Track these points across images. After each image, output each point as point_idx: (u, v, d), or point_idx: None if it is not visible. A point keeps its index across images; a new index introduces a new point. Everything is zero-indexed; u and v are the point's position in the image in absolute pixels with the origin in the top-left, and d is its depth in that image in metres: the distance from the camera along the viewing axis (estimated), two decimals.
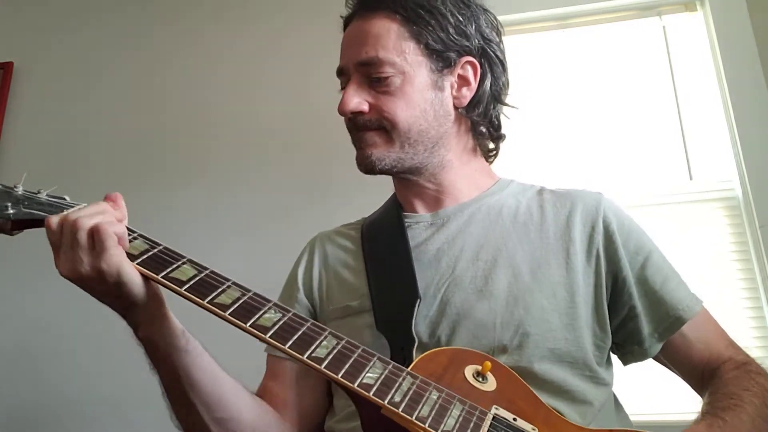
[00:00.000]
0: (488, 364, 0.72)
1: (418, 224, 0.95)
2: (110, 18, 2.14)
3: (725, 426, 0.71)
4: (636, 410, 0.95)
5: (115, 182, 1.87)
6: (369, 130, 0.90)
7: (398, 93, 0.89)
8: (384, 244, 0.94)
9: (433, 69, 0.91)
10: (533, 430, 0.67)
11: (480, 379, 0.71)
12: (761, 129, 1.62)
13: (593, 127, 1.76)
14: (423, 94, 0.90)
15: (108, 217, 0.70)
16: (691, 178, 1.67)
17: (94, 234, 0.67)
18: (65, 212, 0.70)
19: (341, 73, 0.94)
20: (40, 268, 1.85)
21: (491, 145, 1.01)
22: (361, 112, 0.89)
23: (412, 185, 0.96)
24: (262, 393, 0.90)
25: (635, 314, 0.87)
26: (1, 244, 1.88)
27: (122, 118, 2.01)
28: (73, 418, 1.70)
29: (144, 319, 0.71)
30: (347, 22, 0.97)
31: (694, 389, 0.89)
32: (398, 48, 0.89)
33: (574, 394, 0.80)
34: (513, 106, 1.02)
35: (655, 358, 0.91)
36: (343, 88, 0.93)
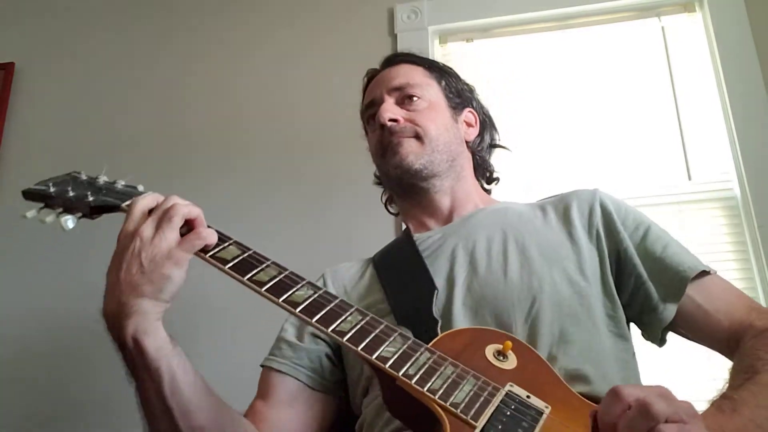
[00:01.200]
0: (509, 343, 0.74)
1: (430, 237, 1.02)
2: (111, 18, 2.15)
3: (734, 404, 0.70)
4: None
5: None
6: (404, 137, 1.03)
7: (427, 111, 1.06)
8: (396, 259, 1.02)
9: (449, 105, 1.11)
10: (546, 407, 0.67)
11: (500, 358, 0.73)
12: (760, 129, 1.63)
13: (592, 128, 1.76)
14: (444, 114, 1.09)
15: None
16: (689, 178, 1.67)
17: (189, 222, 0.75)
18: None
19: (371, 105, 1.10)
20: (43, 264, 1.87)
21: (485, 185, 1.19)
22: (396, 120, 1.03)
23: (428, 202, 1.07)
24: (250, 413, 0.90)
25: (642, 282, 0.92)
26: (2, 244, 1.90)
27: (123, 118, 2.01)
28: (73, 417, 1.71)
29: (144, 321, 0.70)
30: (370, 79, 1.16)
31: (728, 358, 0.87)
32: (424, 82, 1.10)
33: (584, 364, 0.81)
34: (506, 148, 1.23)
35: (681, 334, 0.92)
36: (370, 117, 1.10)
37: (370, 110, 1.10)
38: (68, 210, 0.83)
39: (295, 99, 1.92)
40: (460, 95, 1.14)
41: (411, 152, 1.02)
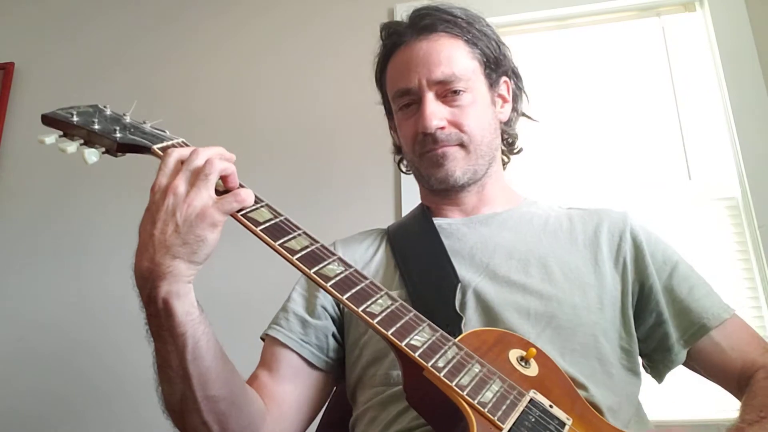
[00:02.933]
0: (533, 350, 0.73)
1: (450, 225, 0.98)
2: (111, 18, 2.15)
3: None
4: (660, 414, 0.94)
5: (115, 182, 1.88)
6: (449, 146, 0.94)
7: (471, 108, 0.95)
8: (415, 242, 0.97)
9: (489, 86, 0.99)
10: (568, 419, 0.67)
11: (523, 364, 0.73)
12: (760, 129, 1.63)
13: (592, 127, 1.76)
14: (486, 109, 0.98)
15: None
16: (690, 179, 1.67)
17: (223, 179, 0.71)
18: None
19: (406, 93, 0.97)
20: (43, 265, 1.87)
21: (505, 159, 1.10)
22: (441, 127, 0.93)
23: (454, 195, 0.99)
24: (255, 384, 0.88)
25: (662, 320, 0.89)
26: (4, 242, 1.90)
27: None
28: (68, 414, 1.71)
29: (177, 283, 0.67)
30: (394, 47, 1.00)
31: (735, 397, 0.88)
32: (468, 67, 0.96)
33: (595, 390, 0.80)
34: (534, 119, 1.11)
35: (692, 368, 0.92)
36: (404, 106, 0.98)
37: (404, 98, 0.97)
38: (91, 143, 0.78)
39: (295, 99, 1.92)
40: (498, 65, 1.01)
41: (458, 166, 0.94)
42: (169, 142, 0.80)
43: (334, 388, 0.97)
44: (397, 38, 1.00)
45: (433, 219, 0.99)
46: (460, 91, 0.94)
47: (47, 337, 1.78)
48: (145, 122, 0.84)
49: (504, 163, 1.08)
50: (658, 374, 0.93)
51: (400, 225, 1.03)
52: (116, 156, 0.79)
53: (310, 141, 1.85)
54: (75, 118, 0.77)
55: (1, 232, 1.90)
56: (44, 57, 2.13)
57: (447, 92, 0.94)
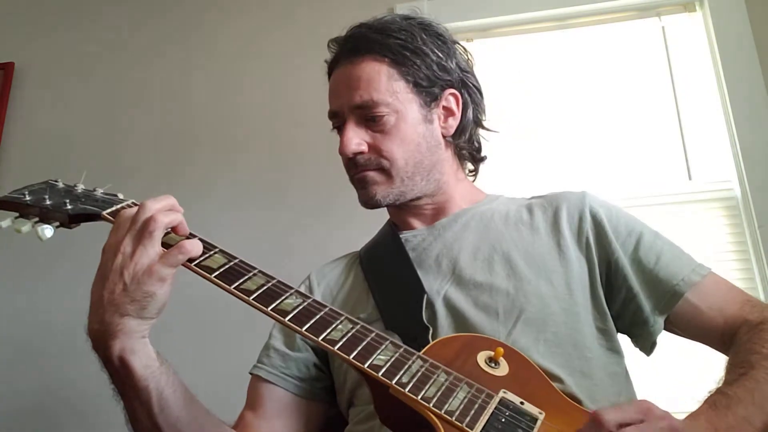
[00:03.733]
0: (500, 350, 0.74)
1: (415, 237, 0.99)
2: (111, 18, 2.15)
3: (729, 400, 0.69)
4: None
5: (115, 182, 1.88)
6: (369, 170, 0.94)
7: (393, 131, 0.93)
8: (383, 260, 0.99)
9: (422, 104, 0.96)
10: (540, 413, 0.67)
11: (492, 365, 0.73)
12: (760, 129, 1.63)
13: (592, 127, 1.76)
14: (415, 129, 0.95)
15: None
16: (690, 179, 1.67)
17: (173, 230, 0.73)
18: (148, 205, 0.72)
19: (334, 116, 0.98)
20: (45, 264, 1.87)
21: (471, 167, 1.08)
22: (360, 152, 0.93)
23: (410, 208, 1.00)
24: (240, 425, 0.89)
25: (633, 295, 0.89)
26: (4, 242, 1.90)
27: (123, 118, 2.01)
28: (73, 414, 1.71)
29: (130, 340, 0.68)
30: (332, 66, 1.01)
31: (724, 354, 0.86)
32: (390, 89, 0.93)
33: (570, 380, 0.80)
34: (493, 131, 1.08)
35: (675, 333, 0.91)
36: (336, 128, 0.99)
37: (334, 120, 0.99)
38: (45, 219, 0.80)
39: (295, 98, 1.92)
40: (436, 79, 0.96)
41: (378, 190, 0.94)
42: (119, 206, 0.82)
43: (328, 413, 0.98)
44: (332, 60, 1.02)
45: (400, 233, 1.00)
46: (379, 116, 0.93)
47: (53, 334, 1.78)
48: (95, 190, 0.87)
49: (470, 172, 1.07)
50: (643, 347, 0.92)
51: (370, 246, 1.05)
52: (70, 228, 0.81)
53: (309, 141, 1.86)
54: (27, 198, 0.81)
55: (2, 232, 1.90)
56: (45, 57, 2.13)
57: (367, 117, 0.94)
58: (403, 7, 1.85)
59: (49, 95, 2.08)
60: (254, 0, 2.06)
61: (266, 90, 1.96)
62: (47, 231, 0.79)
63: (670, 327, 0.90)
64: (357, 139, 0.93)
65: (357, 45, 0.97)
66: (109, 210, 0.80)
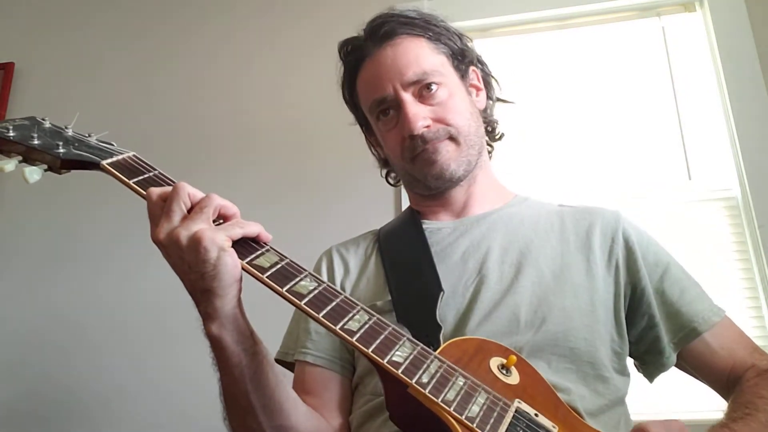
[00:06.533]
0: (513, 358, 0.73)
1: (440, 230, 0.97)
2: (111, 18, 2.15)
3: None
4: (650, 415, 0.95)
5: (114, 182, 1.88)
6: (439, 141, 0.93)
7: (450, 102, 0.95)
8: (402, 248, 0.97)
9: (461, 77, 0.99)
10: (554, 427, 0.66)
11: (504, 372, 0.72)
12: (760, 129, 1.62)
13: (592, 128, 1.76)
14: (464, 100, 0.98)
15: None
16: (690, 179, 1.67)
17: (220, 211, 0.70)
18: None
19: (382, 101, 0.96)
20: (51, 260, 1.87)
21: (489, 148, 1.08)
22: (427, 126, 0.92)
23: (440, 195, 0.99)
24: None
25: (654, 323, 0.89)
26: (10, 238, 1.90)
27: (123, 118, 2.01)
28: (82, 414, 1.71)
29: (219, 313, 0.68)
30: (361, 58, 0.99)
31: (723, 397, 0.89)
32: (436, 62, 0.96)
33: (576, 394, 0.80)
34: (509, 101, 1.10)
35: (683, 369, 0.93)
36: (384, 114, 0.96)
37: (381, 106, 0.96)
38: (31, 159, 0.72)
39: (295, 98, 1.92)
40: (463, 56, 1.01)
41: (451, 159, 0.93)
42: (119, 157, 0.74)
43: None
44: (359, 53, 1.00)
45: (423, 222, 0.99)
46: (434, 85, 0.93)
47: (61, 330, 1.78)
48: (90, 135, 0.79)
49: (489, 152, 1.07)
50: (650, 375, 0.93)
51: (390, 230, 1.03)
52: (60, 173, 0.74)
53: (309, 140, 1.85)
54: (11, 133, 0.71)
55: (3, 232, 1.90)
56: (44, 57, 2.13)
57: (423, 90, 0.93)
58: (403, 7, 1.84)
59: (50, 96, 2.07)
60: (256, 5, 2.06)
61: (272, 92, 1.95)
62: (34, 174, 0.71)
63: (680, 363, 0.91)
64: (422, 113, 0.92)
65: (393, 28, 0.97)
66: (108, 160, 0.73)
